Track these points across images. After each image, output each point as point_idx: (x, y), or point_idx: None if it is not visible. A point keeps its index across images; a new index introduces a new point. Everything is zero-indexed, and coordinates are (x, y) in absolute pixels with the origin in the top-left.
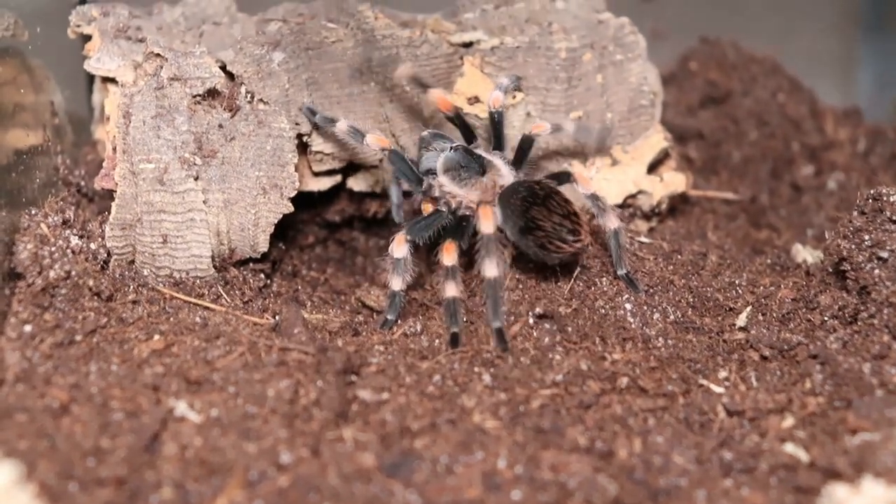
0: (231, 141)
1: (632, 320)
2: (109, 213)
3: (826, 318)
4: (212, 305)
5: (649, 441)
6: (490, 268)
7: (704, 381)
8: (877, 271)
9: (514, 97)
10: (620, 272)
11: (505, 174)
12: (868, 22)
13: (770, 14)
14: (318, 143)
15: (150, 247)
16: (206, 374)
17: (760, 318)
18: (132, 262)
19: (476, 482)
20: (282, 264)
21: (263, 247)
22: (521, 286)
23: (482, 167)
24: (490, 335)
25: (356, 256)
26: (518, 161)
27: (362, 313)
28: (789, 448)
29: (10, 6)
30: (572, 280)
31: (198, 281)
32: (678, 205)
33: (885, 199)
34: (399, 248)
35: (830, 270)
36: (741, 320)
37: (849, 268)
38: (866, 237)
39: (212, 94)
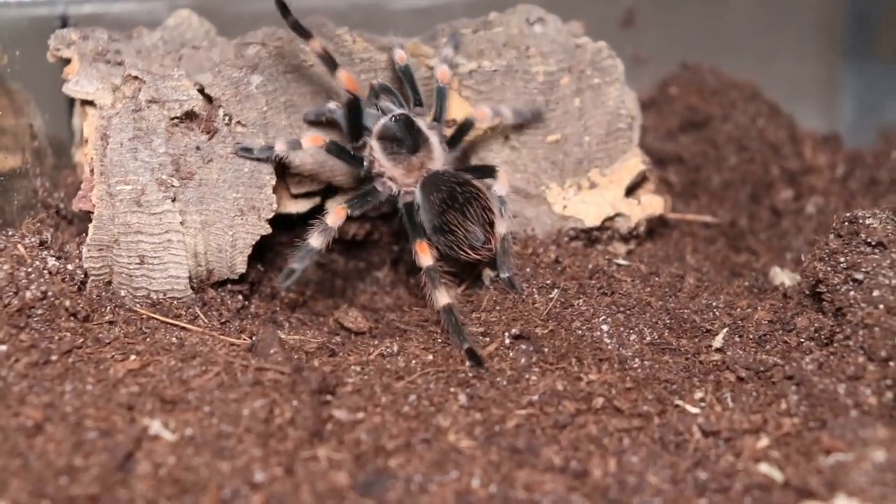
0: (209, 163)
1: (608, 341)
2: (87, 234)
3: (802, 340)
4: (188, 326)
5: (624, 461)
6: (441, 297)
7: (680, 402)
8: (852, 293)
9: (493, 121)
10: (503, 275)
11: (437, 157)
12: (850, 48)
13: (752, 40)
14: (296, 165)
15: (128, 268)
16: (182, 393)
17: (737, 339)
18: (109, 282)
19: (450, 501)
20: (260, 286)
21: (241, 268)
22: (497, 307)
23: (416, 145)
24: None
25: (335, 279)
26: (454, 140)
27: (340, 335)
28: (764, 468)
29: None
30: (550, 301)
31: (175, 302)
32: (657, 228)
33: (860, 221)
34: (337, 217)
35: (807, 293)
36: (717, 342)
37: (825, 290)
38: (842, 259)
39: (189, 116)
